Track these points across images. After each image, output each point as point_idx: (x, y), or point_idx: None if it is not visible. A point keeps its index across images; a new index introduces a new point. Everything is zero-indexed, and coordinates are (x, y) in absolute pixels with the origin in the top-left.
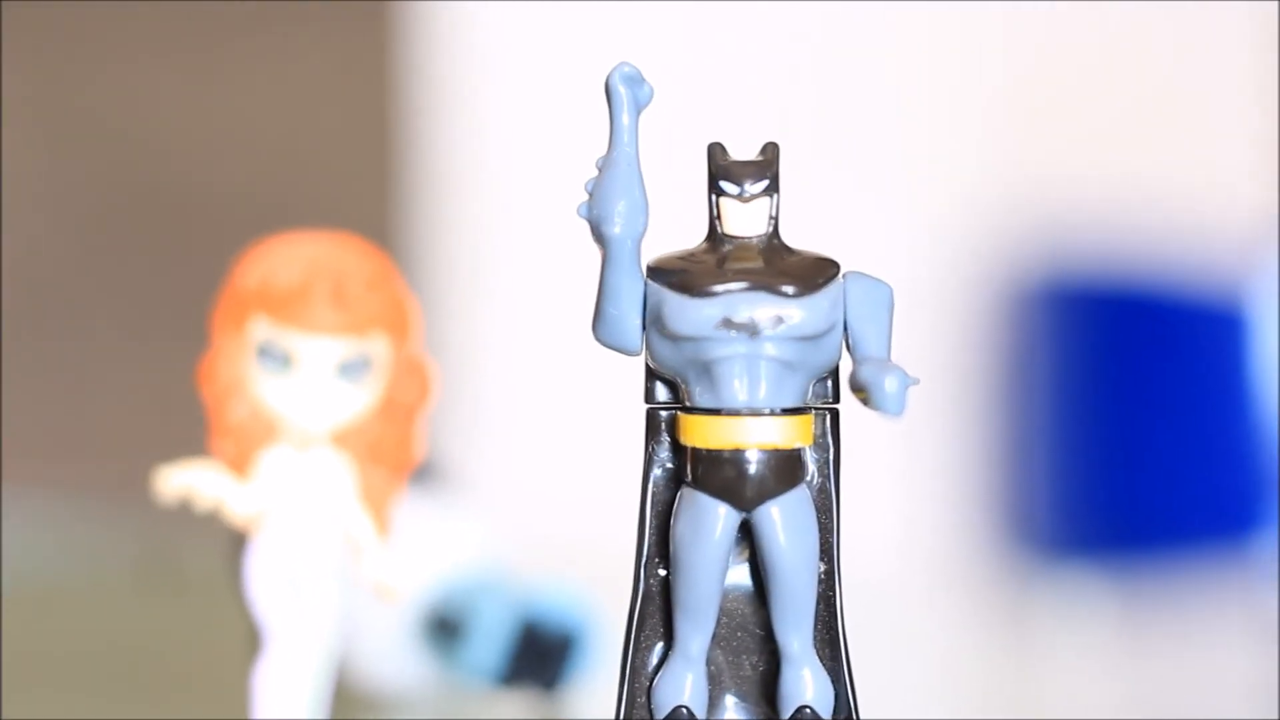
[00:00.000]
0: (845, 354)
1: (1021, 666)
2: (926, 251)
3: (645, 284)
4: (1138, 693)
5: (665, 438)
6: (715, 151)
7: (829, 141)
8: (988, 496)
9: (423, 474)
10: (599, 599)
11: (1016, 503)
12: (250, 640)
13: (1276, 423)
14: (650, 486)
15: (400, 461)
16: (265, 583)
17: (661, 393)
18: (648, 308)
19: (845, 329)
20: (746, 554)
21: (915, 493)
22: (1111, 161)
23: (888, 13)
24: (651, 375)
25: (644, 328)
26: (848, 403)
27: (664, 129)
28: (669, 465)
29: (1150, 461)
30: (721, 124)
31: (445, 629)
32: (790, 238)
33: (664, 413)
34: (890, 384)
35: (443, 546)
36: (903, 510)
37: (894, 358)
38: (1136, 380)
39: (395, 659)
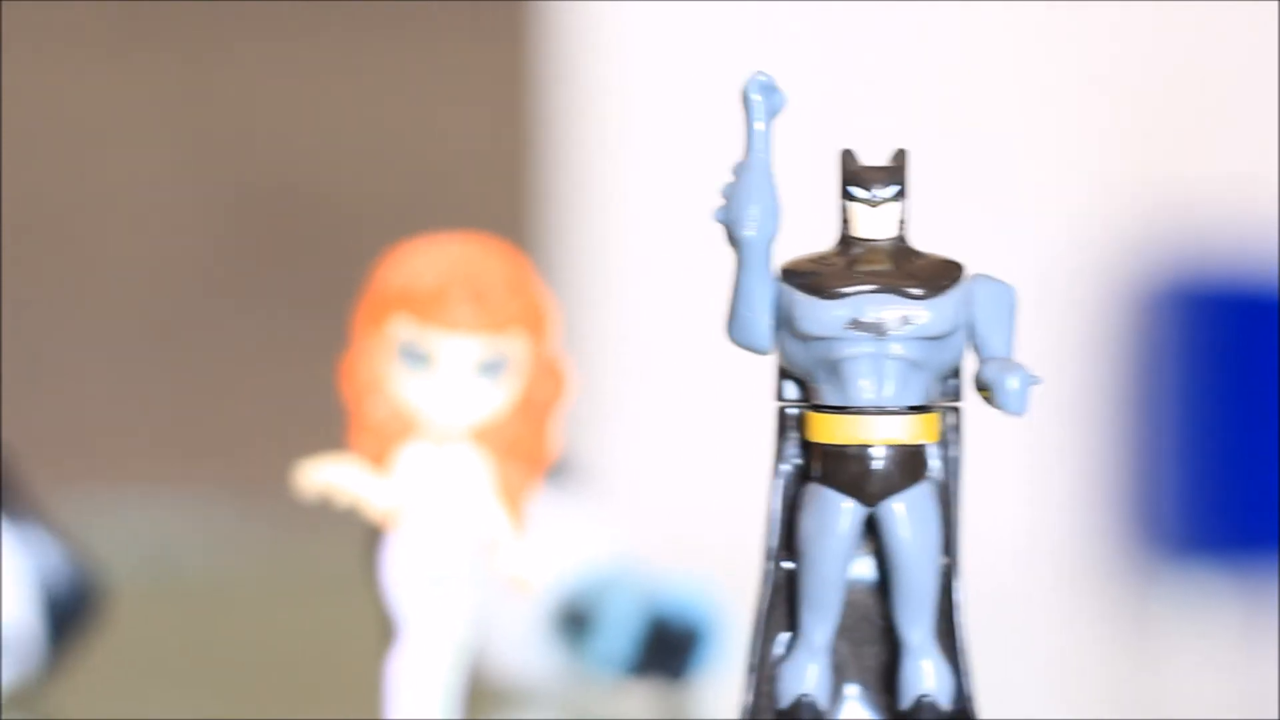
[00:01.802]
0: (970, 354)
1: (1145, 667)
2: (1054, 252)
3: (778, 286)
4: (1260, 695)
5: (793, 435)
6: (846, 158)
7: (958, 144)
8: (1114, 497)
9: (558, 471)
10: (726, 594)
11: (1142, 503)
12: (382, 637)
13: None
14: (779, 481)
15: (536, 458)
16: (402, 576)
17: (790, 391)
18: (780, 308)
19: (970, 330)
20: (871, 547)
21: (1041, 492)
22: (1242, 162)
23: (1017, 12)
24: (782, 374)
25: (775, 328)
26: (971, 401)
27: (797, 134)
28: (796, 462)
29: (1277, 463)
30: (852, 128)
31: (576, 622)
32: (919, 240)
33: (792, 411)
34: (1012, 383)
35: (576, 541)
36: (1029, 509)
37: (1018, 358)
38: (1263, 382)
39: (527, 651)
